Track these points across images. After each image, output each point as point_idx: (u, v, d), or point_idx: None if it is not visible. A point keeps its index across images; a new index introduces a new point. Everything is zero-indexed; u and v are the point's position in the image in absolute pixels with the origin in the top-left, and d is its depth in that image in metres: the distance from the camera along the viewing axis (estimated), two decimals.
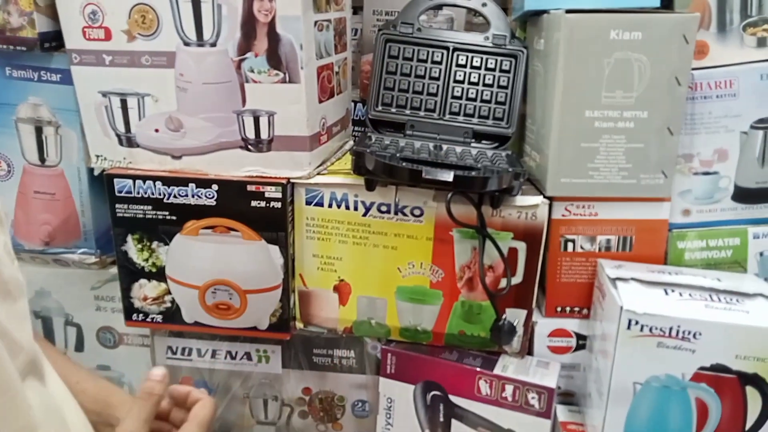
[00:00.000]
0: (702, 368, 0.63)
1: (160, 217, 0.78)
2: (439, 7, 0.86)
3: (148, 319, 0.83)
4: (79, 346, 0.92)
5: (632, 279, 0.69)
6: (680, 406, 0.64)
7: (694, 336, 0.62)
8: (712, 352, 0.63)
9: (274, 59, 0.71)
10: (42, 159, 0.82)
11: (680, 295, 0.67)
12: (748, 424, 0.63)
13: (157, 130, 0.77)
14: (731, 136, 0.75)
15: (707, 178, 0.76)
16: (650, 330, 0.63)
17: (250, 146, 0.76)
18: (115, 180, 0.78)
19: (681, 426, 0.65)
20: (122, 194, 0.78)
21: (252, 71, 0.72)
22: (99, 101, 0.77)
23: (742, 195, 0.77)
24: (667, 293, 0.67)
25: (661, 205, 0.76)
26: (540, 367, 0.77)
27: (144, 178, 0.77)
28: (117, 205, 0.79)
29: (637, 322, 0.64)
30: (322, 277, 0.80)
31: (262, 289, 0.80)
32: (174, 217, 0.78)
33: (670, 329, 0.63)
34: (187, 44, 0.72)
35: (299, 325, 0.83)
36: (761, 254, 0.77)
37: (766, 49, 0.74)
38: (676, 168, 0.75)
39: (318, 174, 0.78)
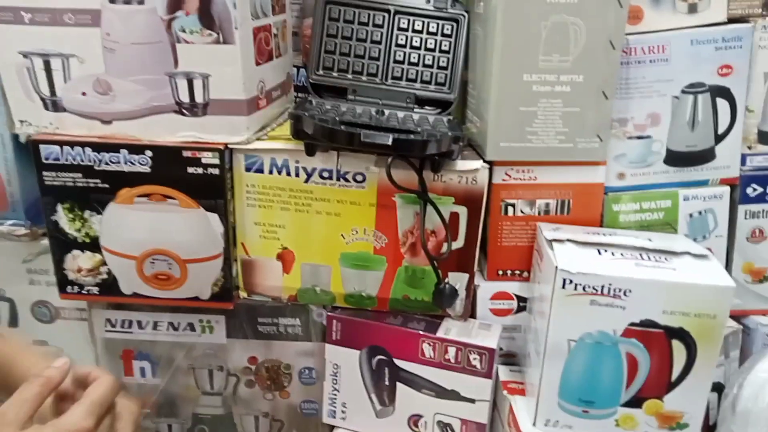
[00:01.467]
0: (632, 324, 0.66)
1: (92, 185, 0.75)
2: None
3: (84, 291, 0.80)
4: (13, 322, 0.88)
5: (568, 240, 0.71)
6: (612, 361, 0.67)
7: (625, 293, 0.65)
8: (641, 308, 0.65)
9: (207, 18, 0.68)
10: None
11: (612, 254, 0.69)
12: (674, 375, 0.67)
13: (84, 94, 0.73)
14: (663, 100, 0.77)
15: (641, 142, 0.79)
16: (584, 288, 0.65)
17: (184, 110, 0.73)
18: (42, 146, 0.74)
19: (612, 380, 0.67)
20: (50, 161, 0.74)
21: (183, 31, 0.69)
22: (20, 62, 0.72)
23: (674, 158, 0.79)
24: (600, 253, 0.69)
25: (597, 169, 0.77)
26: (482, 329, 0.79)
27: (72, 144, 0.73)
28: (45, 173, 0.75)
29: (571, 281, 0.65)
30: (264, 245, 0.79)
31: (203, 258, 0.78)
32: (106, 185, 0.75)
33: (602, 287, 0.65)
34: (112, 1, 0.68)
35: (243, 294, 0.82)
36: (690, 215, 0.80)
37: (697, 15, 0.76)
38: (611, 132, 0.76)
39: (257, 139, 0.76)
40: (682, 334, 0.65)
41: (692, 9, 0.76)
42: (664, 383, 0.67)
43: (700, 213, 0.80)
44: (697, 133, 0.79)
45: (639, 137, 0.78)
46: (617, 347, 0.66)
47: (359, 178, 0.75)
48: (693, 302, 0.64)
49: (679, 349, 0.66)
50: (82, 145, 0.73)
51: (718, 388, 0.81)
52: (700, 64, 0.76)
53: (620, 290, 0.65)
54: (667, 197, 0.79)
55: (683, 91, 0.77)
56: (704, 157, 0.80)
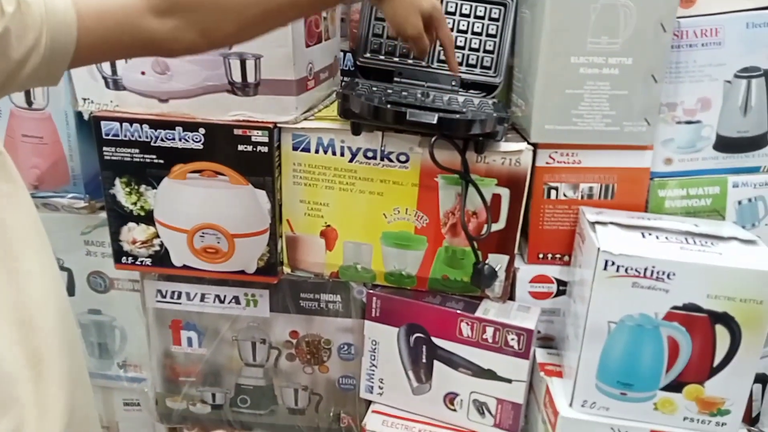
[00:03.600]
0: (674, 307, 0.65)
1: (148, 160, 0.79)
2: None
3: (138, 262, 0.84)
4: (70, 291, 0.93)
5: (611, 223, 0.71)
6: (652, 344, 0.66)
7: (668, 276, 0.64)
8: (684, 292, 0.65)
9: None
10: (29, 102, 0.82)
11: (657, 238, 0.68)
12: (717, 361, 0.66)
13: (143, 73, 0.77)
14: (715, 85, 0.76)
15: (690, 127, 0.77)
16: (626, 270, 0.65)
17: (236, 90, 0.76)
18: (102, 123, 0.78)
19: (652, 363, 0.67)
20: (109, 137, 0.78)
21: None
22: None
23: (724, 144, 0.78)
24: (644, 236, 0.69)
25: (643, 154, 0.77)
26: (520, 311, 0.79)
27: (131, 121, 0.77)
28: (104, 148, 0.79)
29: (613, 263, 0.65)
30: (309, 222, 0.82)
31: (250, 233, 0.81)
32: (161, 161, 0.78)
33: (645, 269, 0.65)
34: None
35: (286, 269, 0.85)
36: (740, 203, 0.79)
37: None
38: (659, 116, 0.75)
39: (305, 119, 0.78)
40: (727, 319, 0.64)
41: None
42: (706, 368, 0.66)
43: (749, 200, 0.78)
44: (750, 119, 0.77)
45: (688, 122, 0.77)
46: (658, 330, 0.66)
47: (402, 158, 0.77)
48: (739, 287, 0.63)
49: (722, 334, 0.65)
50: (140, 122, 0.77)
51: (762, 379, 0.79)
52: (755, 48, 0.75)
53: (663, 273, 0.64)
54: (716, 183, 0.78)
55: (736, 76, 0.75)
56: (756, 143, 0.78)
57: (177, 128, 0.77)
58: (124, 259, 0.85)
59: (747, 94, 0.76)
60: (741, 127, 0.77)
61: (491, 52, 0.83)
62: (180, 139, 0.77)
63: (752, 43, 0.74)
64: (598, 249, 0.66)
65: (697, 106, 0.77)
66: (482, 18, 0.83)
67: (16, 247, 0.48)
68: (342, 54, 0.97)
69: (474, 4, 0.82)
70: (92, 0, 0.51)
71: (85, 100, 0.80)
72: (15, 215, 0.49)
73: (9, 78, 0.48)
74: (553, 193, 0.78)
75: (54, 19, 0.48)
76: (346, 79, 0.97)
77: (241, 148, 0.77)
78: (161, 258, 0.84)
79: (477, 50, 0.83)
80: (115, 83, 0.78)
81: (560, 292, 0.82)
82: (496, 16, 0.82)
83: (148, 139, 0.78)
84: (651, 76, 0.72)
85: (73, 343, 0.55)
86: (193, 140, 0.77)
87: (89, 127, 0.79)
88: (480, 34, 0.83)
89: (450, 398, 0.82)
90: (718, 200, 0.78)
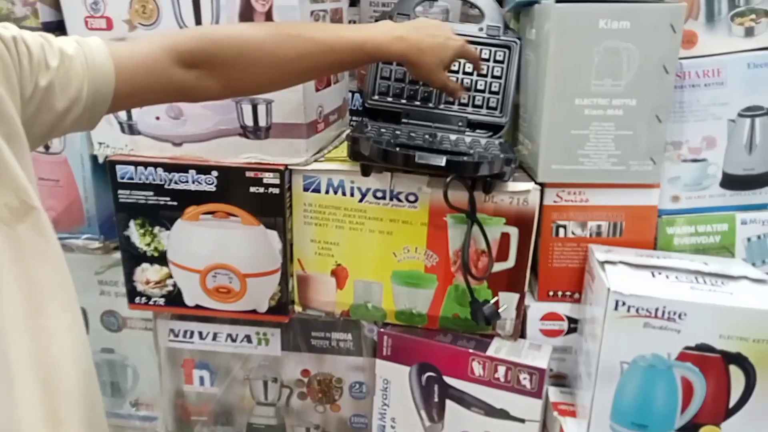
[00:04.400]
0: (687, 348, 0.65)
1: (162, 202, 0.80)
2: None
3: (151, 302, 0.85)
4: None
5: (620, 262, 0.71)
6: (666, 385, 0.66)
7: (680, 316, 0.64)
8: (696, 332, 0.64)
9: None
10: (46, 147, 0.84)
11: (667, 277, 0.69)
12: (732, 402, 0.65)
13: (158, 118, 0.79)
14: (719, 123, 0.77)
15: (696, 165, 0.78)
16: (637, 311, 0.65)
17: (248, 133, 0.77)
18: (118, 166, 0.80)
19: (667, 404, 0.66)
20: (124, 180, 0.80)
21: None
22: None
23: (730, 182, 0.78)
24: (654, 276, 0.69)
25: (650, 192, 0.77)
26: (532, 350, 0.79)
27: (146, 165, 0.79)
28: (119, 191, 0.81)
29: (624, 303, 0.65)
30: (319, 261, 0.82)
31: (261, 273, 0.82)
32: (175, 203, 0.80)
33: (656, 310, 0.65)
34: None
35: (298, 308, 0.85)
36: (749, 239, 0.79)
37: (753, 38, 0.76)
38: (665, 155, 0.76)
39: (315, 161, 0.80)
40: (740, 360, 0.64)
41: (749, 32, 0.76)
42: (721, 409, 0.65)
43: (758, 237, 0.79)
44: (755, 157, 0.78)
45: (694, 160, 0.78)
46: (671, 371, 0.65)
47: (412, 198, 0.78)
48: (751, 327, 0.63)
49: (737, 374, 0.64)
50: (155, 165, 0.79)
51: None
52: (757, 87, 0.76)
53: (675, 313, 0.64)
54: (724, 221, 0.78)
55: (740, 115, 0.76)
56: (763, 180, 0.78)
57: (190, 171, 0.79)
58: (137, 299, 0.86)
59: (751, 132, 0.77)
60: (747, 165, 0.78)
61: (497, 93, 0.85)
62: (193, 182, 0.79)
63: (754, 83, 0.75)
64: (608, 289, 0.66)
65: (702, 145, 0.78)
66: (487, 60, 0.85)
67: (43, 304, 0.48)
68: (350, 94, 0.99)
69: (479, 48, 0.84)
70: (127, 51, 0.54)
71: (101, 144, 0.82)
72: (44, 271, 0.49)
73: (53, 127, 0.51)
74: (561, 231, 0.79)
75: (94, 71, 0.52)
76: (354, 119, 0.99)
77: (252, 189, 0.78)
78: (174, 298, 0.85)
79: (483, 91, 0.85)
80: (130, 128, 0.80)
81: (571, 330, 0.82)
82: (500, 58, 0.84)
83: (162, 182, 0.79)
84: (655, 116, 0.73)
85: (95, 404, 0.54)
86: (206, 182, 0.79)
87: (104, 170, 0.81)
88: (485, 75, 0.85)
89: None
90: (726, 237, 0.78)
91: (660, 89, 0.72)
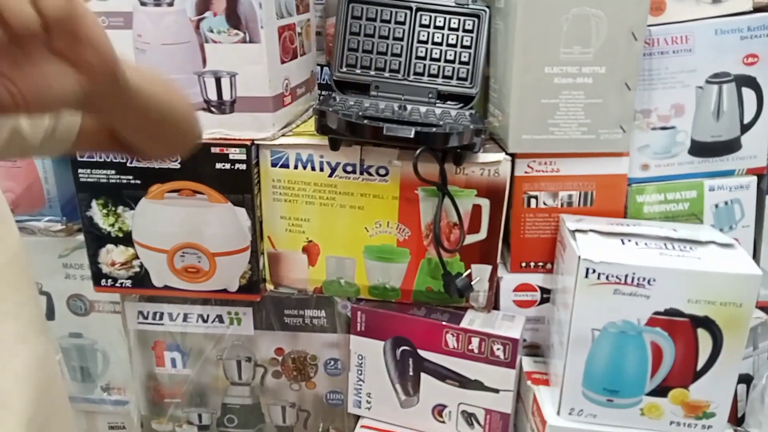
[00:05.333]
0: (656, 313, 0.66)
1: (124, 181, 0.78)
2: None
3: (117, 284, 0.83)
4: (50, 315, 0.92)
5: (591, 231, 0.71)
6: (636, 350, 0.67)
7: (649, 282, 0.65)
8: (665, 297, 0.65)
9: (234, 18, 0.71)
10: None
11: (636, 244, 0.69)
12: (700, 364, 0.66)
13: None
14: (687, 91, 0.77)
15: (665, 133, 0.78)
16: (607, 278, 0.66)
17: (212, 108, 0.75)
18: None
19: (637, 369, 0.67)
20: (84, 158, 0.77)
21: (211, 31, 0.71)
22: None
23: (699, 149, 0.79)
24: (623, 243, 0.69)
25: (620, 160, 0.77)
26: (505, 320, 0.80)
27: None
28: (80, 170, 0.78)
29: (594, 271, 0.66)
30: (290, 238, 0.81)
31: (231, 251, 0.80)
32: (138, 181, 0.78)
33: (626, 276, 0.65)
34: (143, 4, 0.71)
35: (269, 286, 0.84)
36: (716, 206, 0.80)
37: (721, 5, 0.76)
38: (634, 123, 0.76)
39: (282, 135, 0.78)
40: (708, 323, 0.65)
41: None
42: (689, 372, 0.66)
43: (726, 203, 0.80)
44: (723, 124, 0.78)
45: (663, 128, 0.78)
46: (641, 336, 0.66)
47: (382, 171, 0.77)
48: (718, 291, 0.64)
49: (704, 338, 0.65)
50: None
51: (746, 379, 0.80)
52: (724, 54, 0.76)
53: (644, 279, 0.65)
54: (693, 188, 0.79)
55: (708, 81, 0.76)
56: (730, 147, 0.79)
57: None
58: (103, 282, 0.83)
59: (719, 99, 0.77)
60: (714, 132, 0.78)
61: (467, 64, 0.83)
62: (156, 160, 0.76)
63: (721, 49, 0.76)
64: (579, 257, 0.66)
65: (671, 112, 0.78)
66: (456, 30, 0.83)
67: None
68: (319, 68, 0.97)
69: (448, 17, 0.83)
70: None
71: None
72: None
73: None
74: (533, 201, 0.79)
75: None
76: (323, 93, 0.97)
77: (219, 166, 0.76)
78: (141, 279, 0.82)
79: (452, 62, 0.83)
80: None
81: (544, 300, 0.82)
82: (470, 27, 0.83)
83: (124, 160, 0.77)
84: (624, 84, 0.73)
85: (49, 387, 0.48)
86: (169, 159, 0.76)
87: None
88: (455, 45, 0.83)
89: (438, 410, 0.82)
90: (695, 204, 0.79)
91: (629, 56, 0.72)
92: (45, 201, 0.84)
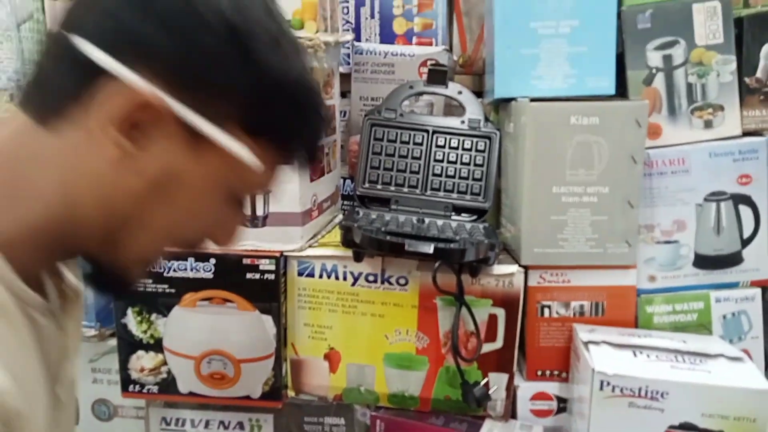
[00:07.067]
0: (672, 426, 0.67)
1: (160, 290, 0.82)
2: (420, 94, 0.95)
3: (144, 390, 0.86)
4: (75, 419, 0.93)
5: (603, 342, 0.74)
6: None
7: (662, 396, 0.67)
8: (679, 410, 0.67)
9: None
10: None
11: (648, 356, 0.71)
12: None
13: None
14: (688, 207, 0.82)
15: (669, 247, 0.83)
16: (621, 390, 0.68)
17: (246, 222, 0.81)
18: None
19: None
20: None
21: None
22: None
23: (702, 261, 0.83)
24: (635, 355, 0.72)
25: (628, 272, 0.82)
26: (523, 430, 0.80)
27: None
28: None
29: (608, 383, 0.68)
30: (313, 345, 0.84)
31: (256, 358, 0.83)
32: (173, 290, 0.82)
33: (639, 389, 0.67)
34: None
35: (290, 393, 0.86)
36: (724, 317, 0.82)
37: (712, 130, 0.83)
38: (639, 237, 0.81)
39: (309, 246, 0.83)
40: None
41: (708, 125, 0.83)
42: None
43: (733, 314, 0.82)
44: (723, 238, 0.83)
45: (666, 242, 0.83)
46: None
47: (402, 281, 0.81)
48: (731, 405, 0.66)
49: None
50: None
51: None
52: (719, 174, 0.82)
53: (657, 392, 0.67)
54: (699, 299, 0.82)
55: (706, 199, 0.82)
56: (732, 260, 0.83)
57: (189, 259, 0.82)
58: (131, 387, 0.86)
59: (717, 215, 0.82)
60: (716, 246, 0.83)
61: (479, 180, 0.90)
62: (191, 269, 0.82)
63: (716, 170, 0.82)
64: (593, 369, 0.68)
65: (674, 227, 0.83)
66: (469, 150, 0.91)
67: None
68: (341, 180, 1.05)
69: (461, 138, 0.91)
70: None
71: None
72: None
73: None
74: (546, 311, 0.82)
75: None
76: (346, 203, 1.04)
77: (249, 276, 0.81)
78: (168, 385, 0.85)
79: (466, 178, 0.90)
80: None
81: (561, 410, 0.83)
82: (482, 148, 0.90)
83: (161, 270, 0.82)
84: (627, 202, 0.79)
85: None
86: (203, 270, 0.82)
87: None
88: (468, 164, 0.90)
89: None
90: (703, 315, 0.82)
91: (630, 177, 0.78)
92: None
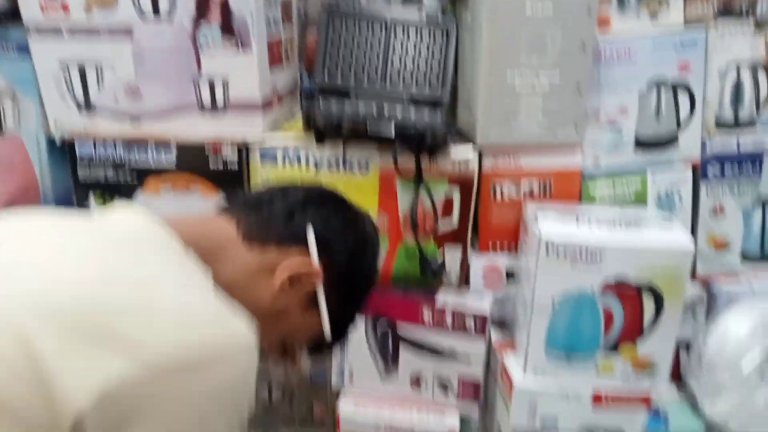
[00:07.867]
0: (607, 282, 0.75)
1: (122, 180, 0.83)
2: None
3: None
4: None
5: (549, 215, 0.81)
6: (591, 313, 0.76)
7: (600, 256, 0.74)
8: (615, 269, 0.75)
9: (227, 29, 0.78)
10: (0, 129, 0.85)
11: (588, 225, 0.79)
12: (645, 324, 0.77)
13: (116, 97, 0.82)
14: (631, 94, 0.88)
15: (612, 131, 0.89)
16: (564, 254, 0.75)
17: (206, 111, 0.82)
18: (77, 144, 0.82)
19: (592, 329, 0.77)
20: (84, 158, 0.83)
21: (206, 40, 0.78)
22: (57, 71, 0.81)
23: (642, 145, 0.90)
24: (577, 224, 0.79)
25: (574, 155, 0.87)
26: (475, 297, 0.88)
27: (105, 142, 0.82)
28: (79, 170, 0.83)
29: (554, 248, 0.75)
30: None
31: None
32: (136, 180, 0.83)
33: (581, 252, 0.75)
34: (143, 16, 0.77)
35: None
36: (659, 195, 0.90)
37: (657, 21, 0.87)
38: (586, 122, 0.86)
39: (271, 133, 0.85)
40: (651, 289, 0.75)
41: (653, 15, 0.87)
42: (636, 330, 0.77)
43: (667, 193, 0.90)
44: (662, 123, 0.89)
45: (611, 126, 0.88)
46: (595, 302, 0.76)
47: (363, 165, 0.84)
48: (660, 263, 0.74)
49: (648, 302, 0.75)
50: (114, 142, 0.82)
51: (688, 346, 0.91)
52: (661, 63, 0.87)
53: (596, 253, 0.74)
54: (637, 177, 0.89)
55: (647, 86, 0.87)
56: (669, 143, 0.90)
57: (150, 147, 0.82)
58: None
59: (658, 101, 0.88)
60: (655, 130, 0.89)
61: (437, 71, 0.92)
62: (153, 158, 0.83)
63: (659, 60, 0.87)
64: (540, 237, 0.75)
65: (617, 113, 0.88)
66: (428, 42, 0.92)
67: None
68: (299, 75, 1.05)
69: (420, 29, 0.92)
70: None
71: (57, 123, 0.84)
72: None
73: None
74: (498, 192, 0.88)
75: None
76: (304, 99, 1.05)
77: (212, 164, 0.83)
78: None
79: (424, 70, 0.92)
80: (87, 108, 0.83)
81: (510, 280, 0.91)
82: (439, 39, 0.92)
83: (122, 159, 0.83)
84: (577, 88, 0.83)
85: None
86: (166, 159, 0.83)
87: (60, 151, 0.83)
88: (426, 55, 0.92)
89: (416, 380, 0.89)
90: (640, 193, 0.90)
91: (580, 65, 0.82)
92: (42, 201, 0.88)
